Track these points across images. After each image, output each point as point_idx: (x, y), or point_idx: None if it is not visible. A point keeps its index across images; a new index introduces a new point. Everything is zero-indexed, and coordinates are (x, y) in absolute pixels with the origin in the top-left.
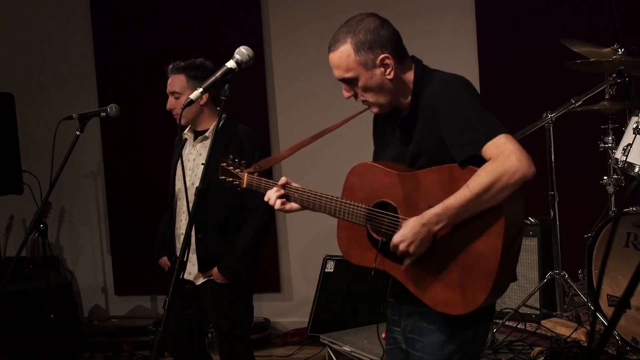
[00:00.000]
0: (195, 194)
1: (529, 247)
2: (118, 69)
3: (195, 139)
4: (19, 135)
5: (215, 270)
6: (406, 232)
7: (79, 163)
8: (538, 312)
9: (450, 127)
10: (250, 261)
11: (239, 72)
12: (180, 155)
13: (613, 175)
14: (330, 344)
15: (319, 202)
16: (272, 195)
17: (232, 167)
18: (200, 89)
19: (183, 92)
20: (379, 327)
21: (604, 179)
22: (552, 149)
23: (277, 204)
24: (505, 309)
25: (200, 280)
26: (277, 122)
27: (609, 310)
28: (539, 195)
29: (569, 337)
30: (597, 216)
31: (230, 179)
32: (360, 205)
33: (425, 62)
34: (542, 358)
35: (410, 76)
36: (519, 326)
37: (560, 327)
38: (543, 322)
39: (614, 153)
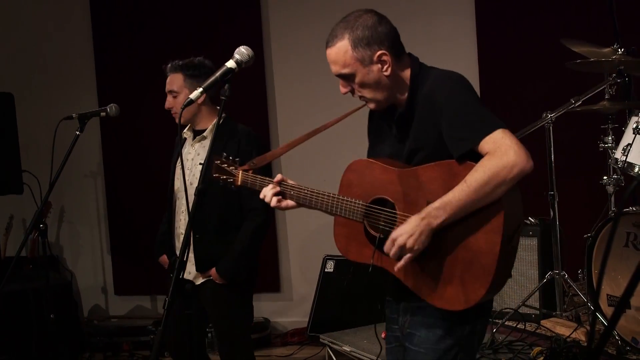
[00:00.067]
0: (195, 194)
1: (529, 247)
2: (118, 69)
3: (194, 138)
4: (19, 135)
5: (213, 270)
6: (405, 227)
7: (79, 163)
8: (538, 312)
9: (448, 122)
10: (249, 261)
11: (239, 72)
12: (180, 154)
13: (613, 175)
14: (330, 344)
15: (316, 199)
16: (267, 193)
17: (226, 165)
18: (200, 89)
19: (181, 91)
20: (376, 327)
21: (604, 179)
22: (552, 148)
23: (273, 202)
24: (505, 308)
25: (200, 280)
26: (277, 122)
27: (609, 310)
28: (539, 195)
29: (568, 337)
30: (597, 216)
31: (224, 177)
32: (357, 201)
33: (425, 62)
34: (542, 358)
35: (407, 73)
36: (518, 326)
37: (560, 327)
38: (543, 322)
39: (614, 153)
